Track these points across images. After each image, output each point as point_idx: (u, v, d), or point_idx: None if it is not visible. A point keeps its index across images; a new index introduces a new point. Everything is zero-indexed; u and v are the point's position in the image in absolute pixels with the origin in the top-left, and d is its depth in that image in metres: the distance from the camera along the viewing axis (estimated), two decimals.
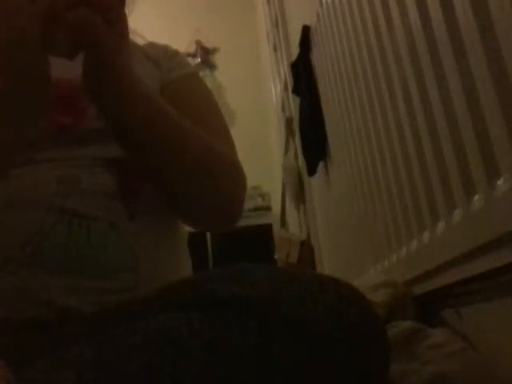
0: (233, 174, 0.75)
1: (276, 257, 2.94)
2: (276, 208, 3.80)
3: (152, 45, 0.88)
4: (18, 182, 0.65)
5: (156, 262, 0.67)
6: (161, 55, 0.85)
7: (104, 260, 0.63)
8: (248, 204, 3.63)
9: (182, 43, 4.18)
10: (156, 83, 0.80)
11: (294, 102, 2.54)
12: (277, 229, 3.52)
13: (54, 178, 0.65)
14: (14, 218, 0.62)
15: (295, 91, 2.34)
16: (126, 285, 0.63)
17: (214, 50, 4.57)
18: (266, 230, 3.85)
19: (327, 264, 2.32)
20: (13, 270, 0.60)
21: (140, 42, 0.90)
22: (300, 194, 2.75)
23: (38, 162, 0.66)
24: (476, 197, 0.78)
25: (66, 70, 0.75)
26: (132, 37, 0.90)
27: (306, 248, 2.57)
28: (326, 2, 1.65)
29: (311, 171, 2.22)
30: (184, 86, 0.83)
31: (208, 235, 3.79)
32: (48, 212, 0.63)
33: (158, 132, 0.64)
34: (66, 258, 0.61)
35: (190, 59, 4.27)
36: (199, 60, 4.46)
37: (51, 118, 0.69)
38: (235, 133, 0.85)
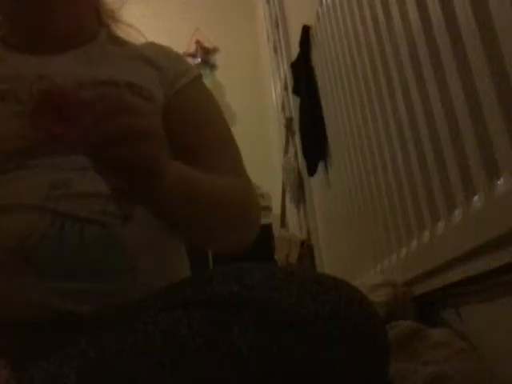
0: (256, 204, 0.80)
1: (276, 257, 2.94)
2: (276, 208, 3.79)
3: (152, 47, 0.86)
4: (10, 186, 0.64)
5: (152, 262, 0.67)
6: (163, 60, 0.82)
7: (98, 262, 0.62)
8: None
9: (181, 43, 4.17)
10: (157, 89, 0.78)
11: (294, 102, 2.54)
12: (277, 229, 3.52)
13: (46, 182, 0.65)
14: (7, 221, 0.62)
15: (295, 91, 2.34)
16: (122, 286, 0.63)
17: (214, 50, 4.57)
18: (266, 230, 3.85)
19: (327, 264, 2.32)
20: (6, 274, 0.59)
21: (140, 40, 0.89)
22: (300, 194, 2.75)
23: (28, 167, 0.66)
24: (476, 197, 0.78)
25: (58, 70, 0.74)
26: (131, 35, 0.89)
27: (306, 248, 2.57)
28: (326, 2, 1.65)
29: (311, 171, 2.22)
30: (189, 96, 0.82)
31: None
32: (41, 215, 0.62)
33: (195, 207, 0.66)
34: (59, 261, 0.60)
35: (189, 59, 4.27)
36: (199, 60, 4.45)
37: (41, 128, 0.68)
38: (235, 133, 0.85)
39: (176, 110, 0.79)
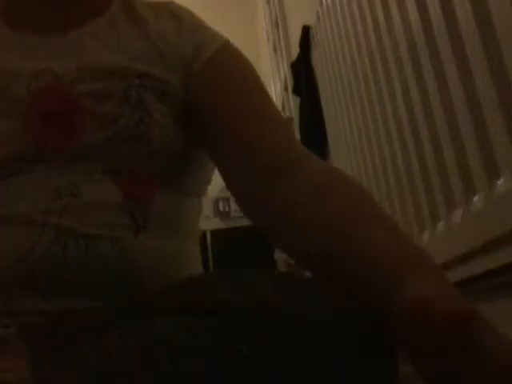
0: None
1: (276, 257, 2.93)
2: None
3: (168, 14, 0.73)
4: (7, 195, 0.59)
5: (164, 274, 0.64)
6: (175, 32, 0.71)
7: (104, 282, 0.58)
8: None
9: None
10: (169, 70, 0.68)
11: (294, 102, 2.54)
12: None
13: (49, 189, 0.59)
14: (5, 236, 0.57)
15: (295, 91, 2.34)
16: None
17: None
18: None
19: None
20: (5, 295, 0.55)
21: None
22: None
23: (29, 172, 0.60)
24: (476, 197, 0.77)
25: (59, 57, 0.66)
26: None
27: None
28: (326, 2, 1.65)
29: None
30: (215, 73, 0.69)
31: (208, 235, 3.80)
32: (42, 231, 0.57)
33: None
34: (62, 281, 0.56)
35: None
36: None
37: (37, 132, 0.61)
38: None
39: (204, 92, 0.68)
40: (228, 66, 0.70)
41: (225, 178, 0.67)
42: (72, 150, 0.62)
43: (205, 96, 0.68)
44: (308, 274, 0.54)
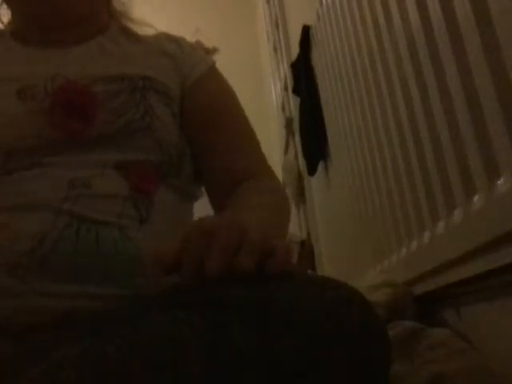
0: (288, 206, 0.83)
1: None
2: None
3: (165, 37, 0.85)
4: (27, 185, 0.64)
5: None
6: (177, 51, 0.82)
7: (112, 267, 0.62)
8: None
9: None
10: (172, 81, 0.78)
11: (294, 102, 2.54)
12: None
13: (64, 182, 0.64)
14: (23, 222, 0.61)
15: (295, 91, 2.34)
16: (135, 289, 0.62)
17: (214, 50, 4.57)
18: None
19: (327, 264, 2.32)
20: (21, 277, 0.59)
21: (150, 31, 0.88)
22: (300, 194, 2.75)
23: (47, 165, 0.65)
24: (476, 197, 0.77)
25: (72, 66, 0.74)
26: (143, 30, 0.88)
27: (306, 248, 2.57)
28: (326, 2, 1.65)
29: (311, 171, 2.22)
30: (206, 87, 0.82)
31: None
32: (57, 217, 0.61)
33: None
34: (74, 265, 0.60)
35: None
36: None
37: (60, 124, 0.68)
38: None
39: (194, 103, 0.79)
40: (212, 88, 0.84)
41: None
42: (87, 138, 0.68)
43: (191, 113, 0.78)
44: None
